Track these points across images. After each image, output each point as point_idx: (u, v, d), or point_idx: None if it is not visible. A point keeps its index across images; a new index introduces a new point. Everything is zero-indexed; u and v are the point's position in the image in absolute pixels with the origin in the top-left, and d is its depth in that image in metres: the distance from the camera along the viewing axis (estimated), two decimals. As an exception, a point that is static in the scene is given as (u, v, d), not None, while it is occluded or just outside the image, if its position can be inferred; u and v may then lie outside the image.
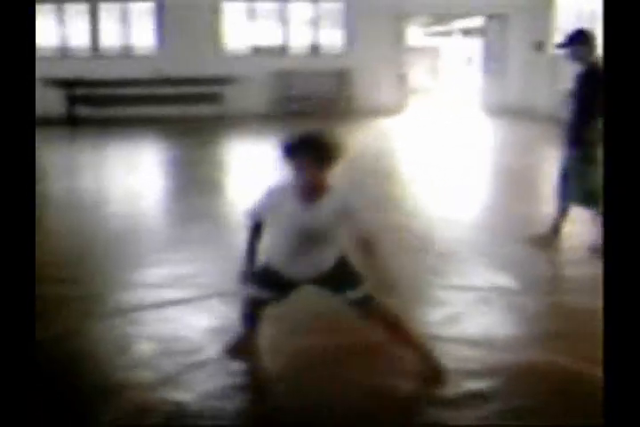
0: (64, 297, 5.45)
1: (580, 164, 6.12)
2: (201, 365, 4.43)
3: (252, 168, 11.36)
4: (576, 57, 6.07)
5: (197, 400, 4.04)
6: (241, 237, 7.31)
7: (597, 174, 5.90)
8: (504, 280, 5.88)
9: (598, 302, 5.26)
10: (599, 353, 4.38)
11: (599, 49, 5.79)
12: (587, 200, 6.20)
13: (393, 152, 13.37)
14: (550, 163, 9.92)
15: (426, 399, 4.02)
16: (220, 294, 5.61)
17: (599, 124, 5.86)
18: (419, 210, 8.59)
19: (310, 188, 3.87)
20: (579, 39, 6.03)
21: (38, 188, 10.31)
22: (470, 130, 15.68)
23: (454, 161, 11.56)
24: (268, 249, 4.18)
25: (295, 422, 3.83)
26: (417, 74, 18.43)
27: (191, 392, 4.11)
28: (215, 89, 16.94)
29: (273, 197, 4.02)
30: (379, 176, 10.61)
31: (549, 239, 6.59)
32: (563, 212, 6.58)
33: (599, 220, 6.10)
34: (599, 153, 5.90)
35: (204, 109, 16.94)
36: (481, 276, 6.04)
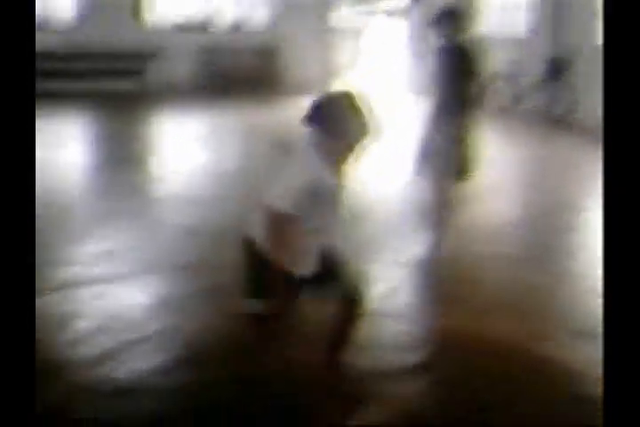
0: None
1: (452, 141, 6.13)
2: (139, 341, 4.40)
3: (176, 144, 11.26)
4: (442, 35, 6.09)
5: (136, 377, 4.01)
6: (169, 213, 7.49)
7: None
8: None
9: (533, 278, 5.51)
10: (539, 328, 4.64)
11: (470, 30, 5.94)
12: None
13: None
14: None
15: (365, 372, 4.07)
16: (154, 270, 5.58)
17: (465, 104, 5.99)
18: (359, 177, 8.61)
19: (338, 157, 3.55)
20: (445, 18, 6.06)
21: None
22: (395, 109, 15.77)
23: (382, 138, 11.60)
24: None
25: (234, 396, 3.83)
26: (342, 53, 18.37)
27: (129, 369, 4.08)
28: (137, 64, 16.67)
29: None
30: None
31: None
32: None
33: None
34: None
35: (126, 84, 16.66)
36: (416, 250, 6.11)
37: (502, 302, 5.13)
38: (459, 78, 5.92)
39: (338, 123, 3.47)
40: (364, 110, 3.49)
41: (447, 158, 6.03)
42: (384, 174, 9.02)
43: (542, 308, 5.12)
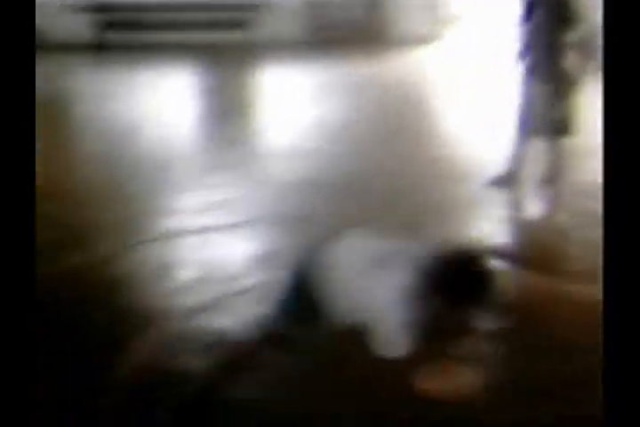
0: (103, 223, 5.37)
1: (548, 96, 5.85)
2: (242, 292, 4.36)
3: (285, 96, 11.16)
4: None
5: (238, 327, 3.96)
6: (276, 165, 7.42)
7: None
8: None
9: None
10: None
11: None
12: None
13: (428, 83, 13.08)
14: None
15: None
16: (261, 221, 5.52)
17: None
18: (456, 141, 8.39)
19: None
20: None
21: (70, 114, 10.28)
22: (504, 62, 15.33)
23: (485, 96, 11.30)
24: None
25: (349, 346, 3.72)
26: (450, 4, 17.89)
27: (232, 319, 4.04)
28: (245, 15, 16.59)
29: None
30: (417, 107, 10.39)
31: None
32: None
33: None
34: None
35: (235, 36, 16.62)
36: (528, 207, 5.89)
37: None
38: (557, 27, 5.67)
39: None
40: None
41: (546, 115, 5.83)
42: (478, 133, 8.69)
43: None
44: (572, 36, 5.70)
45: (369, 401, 3.33)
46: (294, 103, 10.70)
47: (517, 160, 6.17)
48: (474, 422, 3.19)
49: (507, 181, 6.21)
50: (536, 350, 3.76)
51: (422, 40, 16.53)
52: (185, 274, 4.59)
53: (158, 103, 10.46)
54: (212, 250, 4.97)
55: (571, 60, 5.76)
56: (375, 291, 3.04)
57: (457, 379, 3.20)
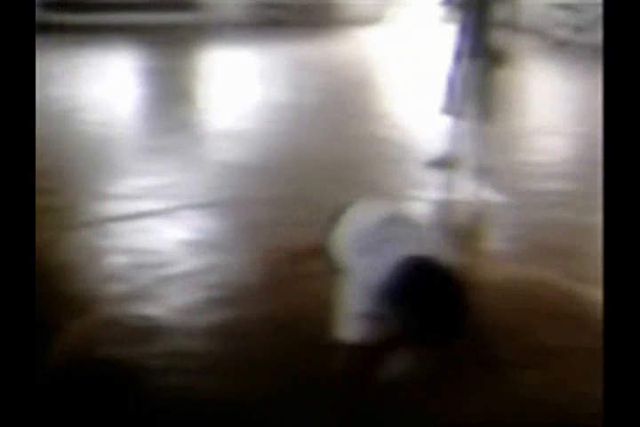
0: (37, 207, 5.27)
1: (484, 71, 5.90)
2: (174, 278, 4.32)
3: (228, 78, 11.06)
4: None
5: (168, 315, 3.94)
6: (216, 148, 7.38)
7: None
8: (489, 194, 5.79)
9: (588, 218, 5.30)
10: (593, 271, 4.45)
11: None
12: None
13: (374, 63, 13.07)
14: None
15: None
16: (196, 206, 5.48)
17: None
18: (401, 121, 8.39)
19: None
20: None
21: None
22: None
23: (434, 72, 11.32)
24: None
25: (277, 334, 3.73)
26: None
27: (162, 306, 4.01)
28: (192, -4, 16.41)
29: None
30: (361, 87, 10.38)
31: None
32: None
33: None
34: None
35: (180, 17, 16.42)
36: (465, 189, 5.92)
37: (552, 243, 4.93)
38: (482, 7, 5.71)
39: None
40: None
41: (474, 94, 5.87)
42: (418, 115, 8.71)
43: (595, 250, 4.92)
44: (498, 16, 5.75)
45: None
46: (240, 83, 10.62)
47: (454, 141, 6.21)
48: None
49: (444, 162, 6.25)
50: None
51: (367, 21, 16.53)
52: (116, 260, 4.54)
53: (102, 85, 10.30)
54: (144, 236, 4.92)
55: (499, 40, 5.80)
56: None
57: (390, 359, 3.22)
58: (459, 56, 5.89)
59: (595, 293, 4.19)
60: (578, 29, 13.18)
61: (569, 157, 7.09)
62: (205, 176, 6.29)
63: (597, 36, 12.84)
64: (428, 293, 2.81)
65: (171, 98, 9.65)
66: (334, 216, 3.42)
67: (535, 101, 9.88)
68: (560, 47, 13.18)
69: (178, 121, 8.25)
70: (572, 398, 3.28)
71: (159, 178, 6.11)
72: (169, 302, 4.04)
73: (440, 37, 13.28)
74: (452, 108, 6.07)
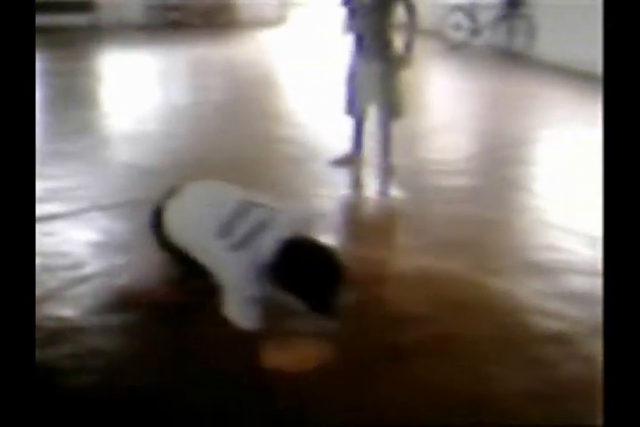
0: None
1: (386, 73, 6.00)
2: (84, 280, 4.30)
3: (129, 80, 10.97)
4: None
5: (81, 316, 3.92)
6: (118, 150, 7.31)
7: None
8: (393, 191, 5.92)
9: (489, 213, 5.47)
10: (494, 263, 4.61)
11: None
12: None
13: (275, 64, 13.14)
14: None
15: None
16: (101, 208, 5.44)
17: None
18: (303, 121, 8.47)
19: None
20: None
21: None
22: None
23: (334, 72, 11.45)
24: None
25: (183, 331, 3.76)
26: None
27: (75, 308, 3.99)
28: (88, -2, 16.17)
29: None
30: (262, 87, 10.43)
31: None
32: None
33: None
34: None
35: (77, 19, 16.16)
36: (370, 186, 6.04)
37: (455, 237, 5.08)
38: (385, 4, 5.79)
39: None
40: None
41: (378, 95, 5.96)
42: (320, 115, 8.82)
43: (496, 242, 5.09)
44: (398, 17, 5.85)
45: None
46: (139, 86, 10.54)
47: (356, 140, 6.32)
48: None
49: (348, 160, 6.35)
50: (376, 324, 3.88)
51: (268, 23, 16.60)
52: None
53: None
54: (51, 238, 4.86)
55: (398, 41, 5.91)
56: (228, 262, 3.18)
57: (301, 353, 3.32)
58: (358, 57, 5.97)
59: (496, 283, 4.35)
60: (473, 32, 13.52)
61: (468, 153, 7.29)
62: (109, 178, 6.24)
63: (491, 38, 13.21)
64: (311, 269, 3.19)
65: (70, 101, 9.51)
66: (167, 195, 3.65)
67: (434, 101, 10.12)
68: (457, 49, 13.50)
69: (79, 124, 8.15)
70: (477, 383, 3.41)
71: (63, 181, 6.04)
72: (79, 303, 4.02)
73: (339, 39, 13.47)
74: (353, 108, 6.17)
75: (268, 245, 3.23)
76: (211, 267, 3.34)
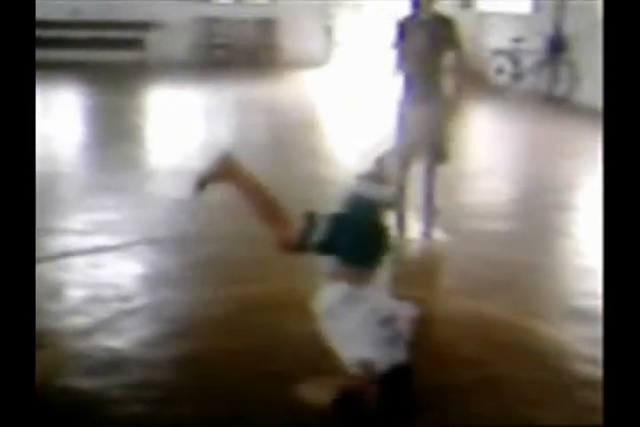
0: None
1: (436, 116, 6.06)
2: (133, 312, 4.39)
3: (175, 116, 11.18)
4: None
5: (131, 347, 4.01)
6: (164, 185, 7.44)
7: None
8: (437, 233, 5.97)
9: (530, 257, 5.50)
10: (536, 307, 4.64)
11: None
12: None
13: (318, 105, 13.31)
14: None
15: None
16: (148, 241, 5.55)
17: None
18: (347, 163, 8.56)
19: None
20: None
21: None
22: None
23: (377, 114, 11.58)
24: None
25: (227, 367, 3.82)
26: (342, 26, 18.25)
27: (125, 339, 4.08)
28: (137, 34, 16.51)
29: None
30: (306, 128, 10.56)
31: None
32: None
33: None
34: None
35: (125, 55, 16.51)
36: (414, 228, 6.09)
37: (498, 280, 5.11)
38: (437, 49, 5.85)
39: None
40: None
41: (426, 138, 5.99)
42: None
43: (538, 286, 5.11)
44: (448, 61, 5.90)
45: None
46: (185, 122, 10.73)
47: (400, 182, 6.34)
48: None
49: (392, 203, 6.38)
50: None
51: (312, 63, 16.83)
52: (75, 294, 4.58)
53: (50, 122, 10.31)
54: (101, 270, 4.97)
55: (448, 85, 5.96)
56: None
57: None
58: (408, 100, 6.01)
59: (540, 327, 4.38)
60: (516, 76, 13.62)
61: (510, 198, 7.34)
62: (156, 213, 6.37)
63: (534, 83, 13.29)
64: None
65: (117, 136, 9.71)
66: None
67: (477, 145, 10.18)
68: (499, 93, 13.58)
69: (126, 159, 8.32)
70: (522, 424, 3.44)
71: (110, 214, 6.18)
72: (129, 335, 4.11)
73: (385, 81, 13.64)
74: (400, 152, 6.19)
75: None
76: None
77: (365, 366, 3.33)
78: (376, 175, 3.78)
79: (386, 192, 3.79)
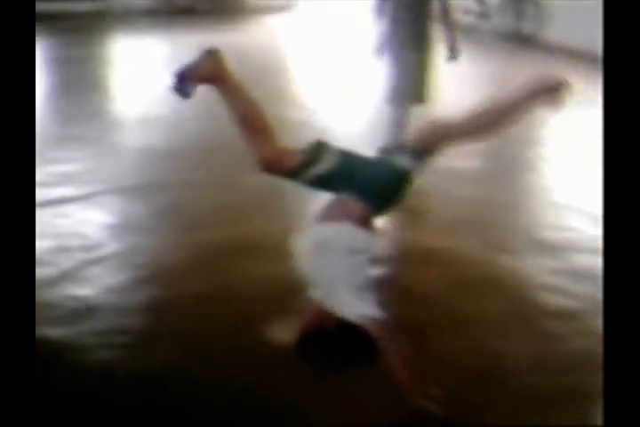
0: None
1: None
2: (101, 260, 4.39)
3: (138, 66, 11.02)
4: None
5: (100, 295, 4.01)
6: (129, 134, 7.38)
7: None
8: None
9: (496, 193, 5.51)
10: (502, 241, 4.68)
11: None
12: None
13: (285, 49, 13.16)
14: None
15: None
16: (114, 191, 5.53)
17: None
18: (317, 106, 8.52)
19: None
20: None
21: None
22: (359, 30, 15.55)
23: (348, 58, 11.49)
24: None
25: (198, 311, 3.85)
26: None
27: (93, 287, 4.08)
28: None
29: None
30: (273, 73, 10.46)
31: None
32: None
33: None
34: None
35: (86, 5, 16.20)
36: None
37: (466, 217, 5.14)
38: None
39: None
40: None
41: (412, 83, 5.99)
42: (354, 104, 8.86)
43: (505, 221, 5.15)
44: (432, 8, 5.90)
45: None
46: (150, 71, 10.59)
47: (399, 128, 6.31)
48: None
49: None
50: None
51: (277, 9, 16.59)
52: (42, 245, 4.56)
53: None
54: (66, 220, 4.95)
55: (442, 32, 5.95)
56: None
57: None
58: (394, 47, 5.99)
59: (505, 261, 4.43)
60: (482, 15, 13.52)
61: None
62: (121, 162, 6.32)
63: (499, 23, 13.21)
64: None
65: (81, 86, 9.56)
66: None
67: (444, 85, 10.12)
68: (466, 34, 13.48)
69: (90, 109, 8.22)
70: (486, 359, 3.49)
71: (76, 164, 6.12)
72: (98, 283, 4.11)
73: (357, 28, 13.52)
74: (395, 96, 6.17)
75: None
76: None
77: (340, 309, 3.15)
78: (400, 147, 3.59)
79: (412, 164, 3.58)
